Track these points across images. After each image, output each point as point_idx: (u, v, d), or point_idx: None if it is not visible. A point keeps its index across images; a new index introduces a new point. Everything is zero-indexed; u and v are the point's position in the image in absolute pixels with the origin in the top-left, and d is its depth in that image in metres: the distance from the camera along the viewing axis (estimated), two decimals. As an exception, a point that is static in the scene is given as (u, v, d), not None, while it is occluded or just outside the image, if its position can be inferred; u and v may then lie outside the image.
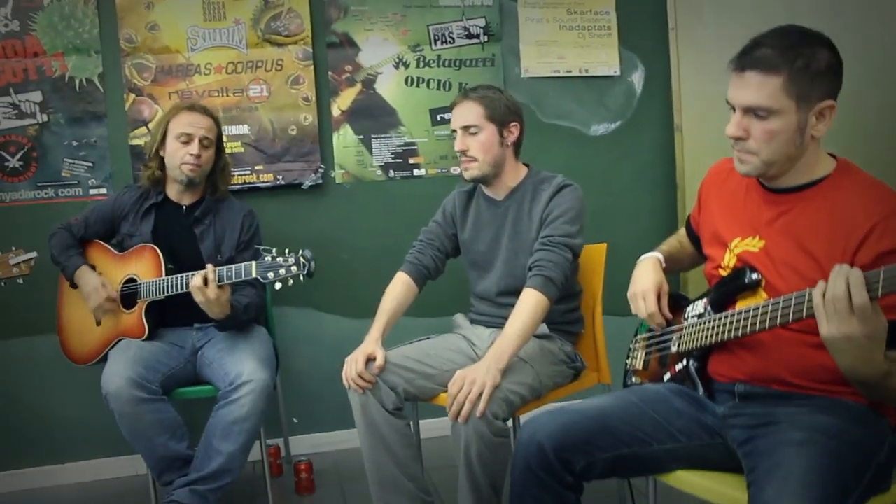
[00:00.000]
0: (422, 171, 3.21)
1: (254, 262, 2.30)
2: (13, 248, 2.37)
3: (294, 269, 2.28)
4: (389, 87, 3.16)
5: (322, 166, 3.12)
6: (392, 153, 3.19)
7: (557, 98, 3.32)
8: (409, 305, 2.38)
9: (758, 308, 1.41)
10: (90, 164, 2.96)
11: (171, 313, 2.55)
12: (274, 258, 2.29)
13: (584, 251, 2.38)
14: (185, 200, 2.61)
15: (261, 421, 2.41)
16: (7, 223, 2.91)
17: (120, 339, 2.52)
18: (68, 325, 2.65)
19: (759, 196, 1.57)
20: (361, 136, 3.15)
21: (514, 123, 2.25)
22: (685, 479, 1.55)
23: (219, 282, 2.31)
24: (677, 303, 1.79)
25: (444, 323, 2.57)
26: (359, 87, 3.14)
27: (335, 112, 3.13)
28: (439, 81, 3.20)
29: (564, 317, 2.30)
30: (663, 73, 3.36)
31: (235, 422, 2.35)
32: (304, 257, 2.29)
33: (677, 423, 1.56)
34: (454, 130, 2.26)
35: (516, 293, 2.13)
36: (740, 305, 1.55)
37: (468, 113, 2.22)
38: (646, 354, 1.82)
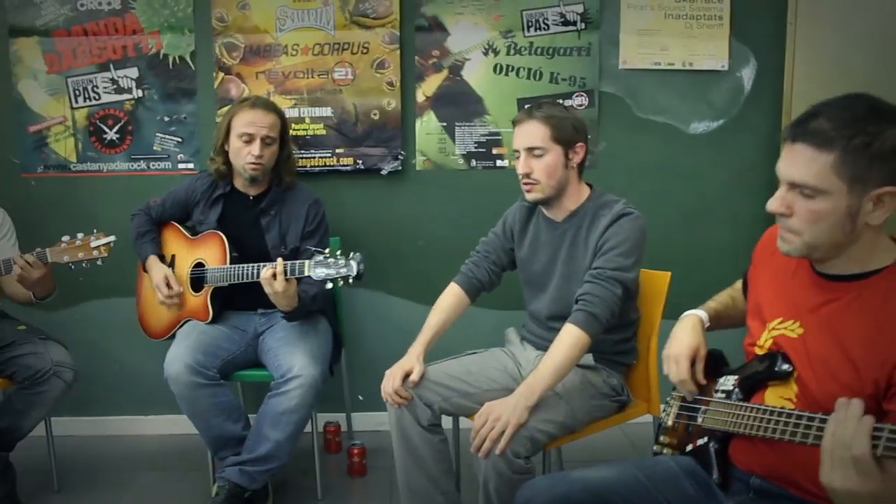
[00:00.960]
0: (505, 163, 3.12)
1: (307, 261, 2.33)
2: (94, 231, 2.50)
3: (343, 270, 2.30)
4: (477, 74, 3.07)
5: (402, 153, 3.09)
6: (475, 142, 3.11)
7: (656, 92, 3.12)
8: (458, 318, 2.35)
9: (781, 415, 1.28)
10: (180, 140, 3.07)
11: (238, 297, 2.63)
12: (326, 258, 2.31)
13: (646, 277, 2.27)
14: (252, 191, 2.66)
15: (309, 413, 2.49)
16: (103, 192, 3.11)
17: (187, 320, 2.64)
18: (144, 301, 2.80)
19: (807, 277, 1.41)
20: (445, 124, 3.09)
21: (580, 144, 2.13)
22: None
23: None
24: (717, 366, 1.67)
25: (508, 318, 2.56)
26: (445, 72, 3.06)
27: (419, 98, 3.07)
28: (530, 70, 3.07)
29: (615, 347, 2.20)
30: (776, 70, 3.08)
31: (284, 413, 2.43)
32: (354, 260, 2.30)
33: None
34: (517, 150, 2.16)
35: (565, 319, 2.05)
36: (769, 392, 1.43)
37: (533, 133, 2.10)
38: (676, 416, 1.72)
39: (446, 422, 2.26)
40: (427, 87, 3.07)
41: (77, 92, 3.02)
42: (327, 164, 3.08)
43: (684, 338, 1.63)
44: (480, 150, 3.11)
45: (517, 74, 3.07)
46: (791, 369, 1.38)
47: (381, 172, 3.11)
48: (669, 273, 2.28)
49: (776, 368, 1.41)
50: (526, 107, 2.19)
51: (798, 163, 1.27)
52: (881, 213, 1.25)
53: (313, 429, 2.68)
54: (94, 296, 3.19)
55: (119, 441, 3.25)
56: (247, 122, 2.53)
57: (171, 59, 3.01)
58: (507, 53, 3.06)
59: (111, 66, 3.00)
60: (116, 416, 3.31)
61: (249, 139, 2.52)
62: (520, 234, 2.32)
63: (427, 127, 3.09)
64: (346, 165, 3.09)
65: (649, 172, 3.13)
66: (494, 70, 3.07)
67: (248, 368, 2.65)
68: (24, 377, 2.49)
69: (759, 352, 1.48)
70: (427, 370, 2.18)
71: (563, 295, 2.17)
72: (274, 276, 2.33)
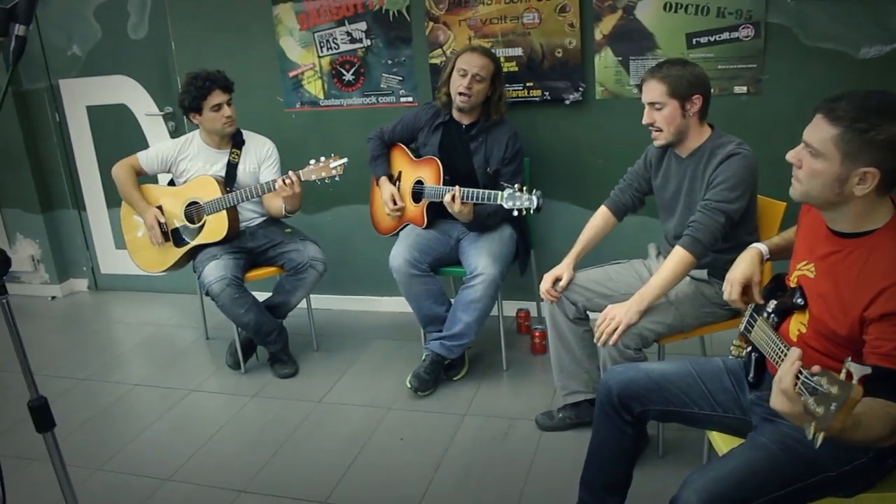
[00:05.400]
0: (674, 91, 3.48)
1: (500, 192, 3.00)
2: (332, 155, 3.28)
3: (527, 203, 2.95)
4: (648, 13, 3.41)
5: (583, 85, 3.57)
6: (648, 73, 3.50)
7: (826, 19, 3.23)
8: (606, 235, 2.89)
9: (776, 343, 1.72)
10: (401, 79, 3.80)
11: (446, 209, 3.28)
12: (514, 192, 2.96)
13: (765, 205, 2.66)
14: (465, 121, 3.31)
15: (492, 302, 3.20)
16: (344, 122, 3.95)
17: (407, 225, 3.43)
18: (375, 207, 3.62)
19: (823, 232, 1.75)
20: (620, 58, 3.50)
21: (697, 95, 2.50)
22: (713, 436, 2.04)
23: (464, 200, 3.06)
24: (779, 286, 2.06)
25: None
26: (620, 13, 3.44)
27: (597, 36, 3.49)
28: (697, 6, 3.34)
29: (728, 266, 2.61)
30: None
31: (471, 301, 3.16)
32: (536, 195, 2.94)
33: (719, 398, 1.96)
34: (644, 104, 2.58)
35: (687, 240, 2.52)
36: (793, 318, 1.82)
37: (653, 91, 2.52)
38: (746, 324, 2.15)
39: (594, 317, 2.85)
40: (604, 27, 3.48)
41: (322, 44, 3.84)
42: (519, 96, 3.65)
43: (740, 266, 2.03)
44: (653, 80, 3.49)
45: (686, 11, 3.36)
46: (803, 303, 1.77)
47: (566, 102, 3.61)
48: (785, 204, 2.62)
49: (794, 301, 1.81)
50: (650, 67, 2.59)
51: (813, 128, 1.63)
52: (863, 187, 1.59)
53: (500, 314, 3.40)
54: (341, 202, 4.11)
55: (361, 315, 4.27)
56: (465, 61, 3.17)
57: (391, 13, 3.70)
58: (678, -9, 3.38)
59: (346, 22, 3.76)
60: (360, 296, 4.29)
61: (464, 74, 3.17)
62: (656, 165, 2.77)
63: (605, 61, 3.53)
64: (535, 97, 3.64)
65: (815, 100, 3.31)
66: (664, 8, 3.38)
67: (450, 265, 3.40)
68: (289, 267, 3.47)
69: (791, 286, 1.89)
70: (576, 275, 2.78)
71: (685, 220, 2.61)
72: (452, 198, 3.03)
